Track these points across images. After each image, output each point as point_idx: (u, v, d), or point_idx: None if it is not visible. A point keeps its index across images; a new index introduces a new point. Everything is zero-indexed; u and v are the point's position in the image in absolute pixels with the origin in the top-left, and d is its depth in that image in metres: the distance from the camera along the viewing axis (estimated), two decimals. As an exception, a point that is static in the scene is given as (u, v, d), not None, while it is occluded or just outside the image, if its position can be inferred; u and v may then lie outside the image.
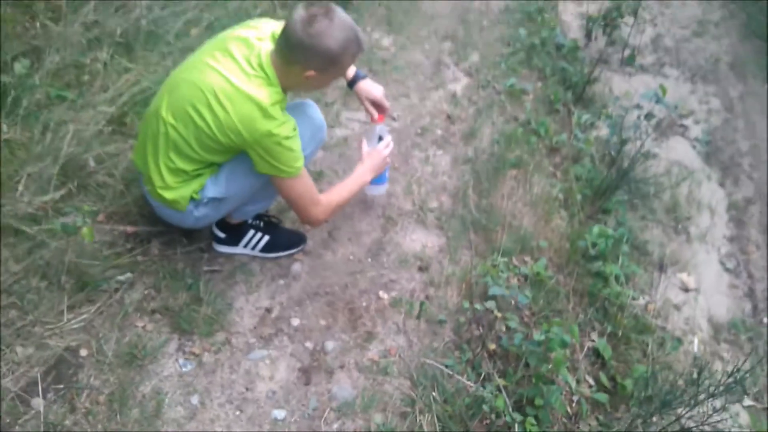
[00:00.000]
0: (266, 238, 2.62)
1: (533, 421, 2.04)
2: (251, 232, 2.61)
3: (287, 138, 2.07)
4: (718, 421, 1.97)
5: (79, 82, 3.17)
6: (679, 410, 2.01)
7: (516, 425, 2.03)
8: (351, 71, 2.65)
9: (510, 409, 2.07)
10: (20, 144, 2.78)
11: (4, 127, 2.81)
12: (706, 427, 1.97)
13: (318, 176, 3.09)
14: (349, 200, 2.49)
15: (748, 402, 2.56)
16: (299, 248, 2.70)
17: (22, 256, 2.38)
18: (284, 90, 2.11)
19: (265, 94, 2.03)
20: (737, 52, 4.79)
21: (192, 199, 2.26)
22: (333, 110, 3.53)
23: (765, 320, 2.84)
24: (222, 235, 2.60)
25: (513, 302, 2.44)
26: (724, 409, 1.92)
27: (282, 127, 2.05)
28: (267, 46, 2.12)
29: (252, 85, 2.04)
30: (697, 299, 2.62)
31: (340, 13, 2.01)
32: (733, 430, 2.07)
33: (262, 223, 2.65)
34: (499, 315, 2.34)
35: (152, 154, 2.23)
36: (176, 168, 2.19)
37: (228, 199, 2.30)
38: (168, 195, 2.23)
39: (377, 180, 2.68)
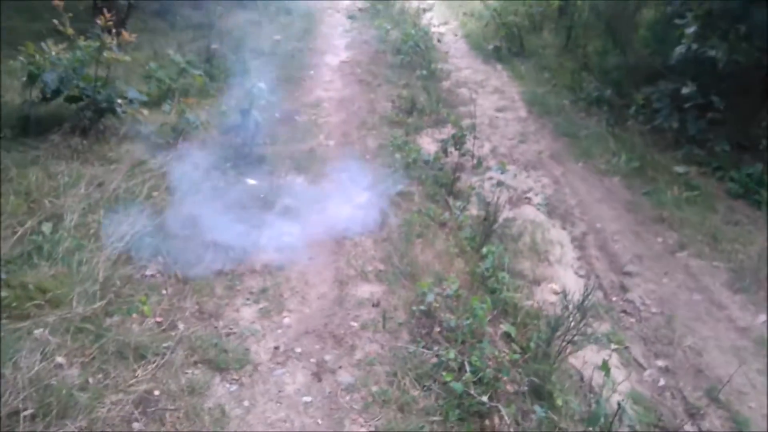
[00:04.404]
0: None
1: (476, 358, 3.15)
2: None
3: None
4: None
5: (89, 235, 4.18)
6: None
7: (466, 364, 3.14)
8: None
9: (457, 356, 3.19)
10: (65, 275, 3.74)
11: (46, 268, 3.80)
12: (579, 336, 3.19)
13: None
14: None
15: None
16: None
17: (88, 344, 3.29)
18: None
19: None
20: (552, 148, 6.54)
21: None
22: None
23: (614, 299, 4.18)
24: None
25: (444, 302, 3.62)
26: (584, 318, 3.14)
27: None
28: None
29: None
30: (565, 297, 3.83)
31: None
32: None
33: None
34: (437, 305, 3.50)
35: None
36: None
37: None
38: None
39: None
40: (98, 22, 5.50)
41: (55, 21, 5.53)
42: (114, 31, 5.60)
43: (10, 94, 6.01)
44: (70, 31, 5.54)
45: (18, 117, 5.58)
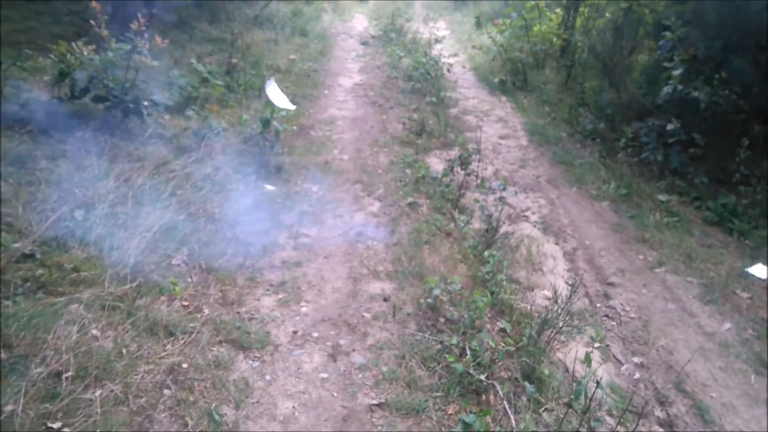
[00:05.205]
0: None
1: (476, 344, 3.51)
2: None
3: None
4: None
5: (119, 224, 4.51)
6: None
7: (467, 349, 3.49)
8: None
9: (459, 342, 3.55)
10: (97, 258, 4.06)
11: (79, 251, 4.12)
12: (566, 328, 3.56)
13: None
14: None
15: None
16: None
17: (121, 320, 3.61)
18: None
19: None
20: (550, 173, 6.97)
21: None
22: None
23: (598, 305, 4.56)
24: None
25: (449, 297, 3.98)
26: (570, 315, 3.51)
27: None
28: None
29: None
30: (556, 302, 4.18)
31: None
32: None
33: None
34: (443, 299, 3.85)
35: None
36: None
37: None
38: None
39: None
40: (132, 26, 5.88)
41: (93, 22, 5.91)
42: (146, 36, 5.98)
43: (37, 91, 6.31)
44: (105, 32, 5.91)
45: (46, 113, 5.87)
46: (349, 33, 13.99)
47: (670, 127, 6.58)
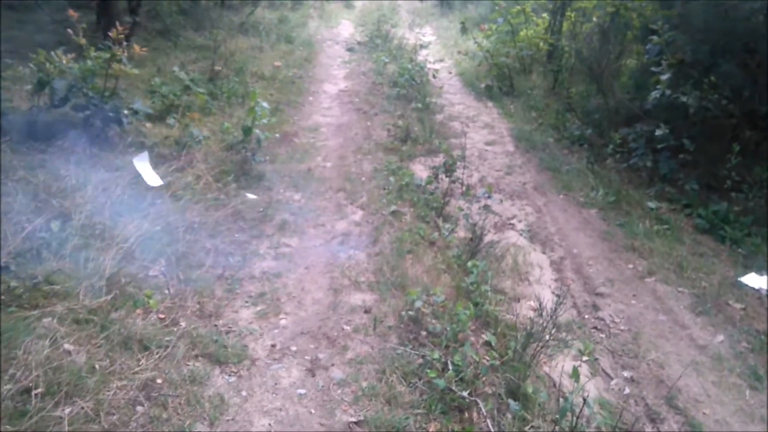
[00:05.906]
0: None
1: (458, 359, 3.42)
2: None
3: None
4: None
5: (95, 234, 4.41)
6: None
7: (449, 364, 3.40)
8: None
9: (441, 356, 3.46)
10: (72, 270, 3.96)
11: (54, 263, 4.01)
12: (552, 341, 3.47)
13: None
14: None
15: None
16: None
17: (95, 334, 3.50)
18: None
19: None
20: (536, 180, 6.91)
21: None
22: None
23: (586, 316, 4.48)
24: None
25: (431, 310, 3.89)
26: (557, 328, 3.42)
27: None
28: None
29: None
30: (542, 314, 4.11)
31: None
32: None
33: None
34: (425, 311, 3.77)
35: None
36: None
37: None
38: None
39: None
40: (110, 34, 5.80)
41: (70, 30, 5.82)
42: (125, 44, 5.90)
43: (17, 100, 6.23)
44: (82, 41, 5.83)
45: (25, 122, 5.79)
46: (335, 39, 13.95)
47: (658, 132, 6.50)
